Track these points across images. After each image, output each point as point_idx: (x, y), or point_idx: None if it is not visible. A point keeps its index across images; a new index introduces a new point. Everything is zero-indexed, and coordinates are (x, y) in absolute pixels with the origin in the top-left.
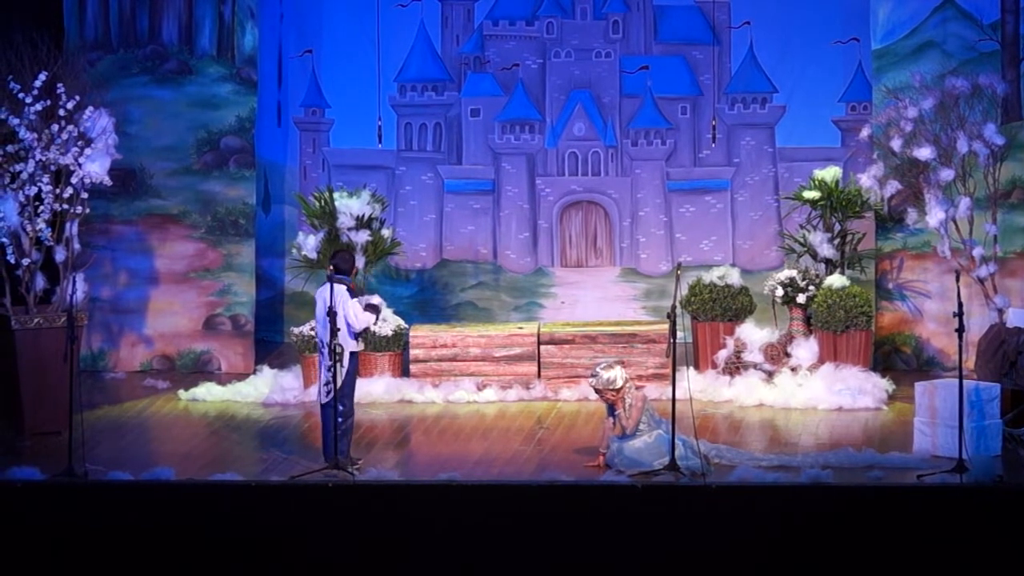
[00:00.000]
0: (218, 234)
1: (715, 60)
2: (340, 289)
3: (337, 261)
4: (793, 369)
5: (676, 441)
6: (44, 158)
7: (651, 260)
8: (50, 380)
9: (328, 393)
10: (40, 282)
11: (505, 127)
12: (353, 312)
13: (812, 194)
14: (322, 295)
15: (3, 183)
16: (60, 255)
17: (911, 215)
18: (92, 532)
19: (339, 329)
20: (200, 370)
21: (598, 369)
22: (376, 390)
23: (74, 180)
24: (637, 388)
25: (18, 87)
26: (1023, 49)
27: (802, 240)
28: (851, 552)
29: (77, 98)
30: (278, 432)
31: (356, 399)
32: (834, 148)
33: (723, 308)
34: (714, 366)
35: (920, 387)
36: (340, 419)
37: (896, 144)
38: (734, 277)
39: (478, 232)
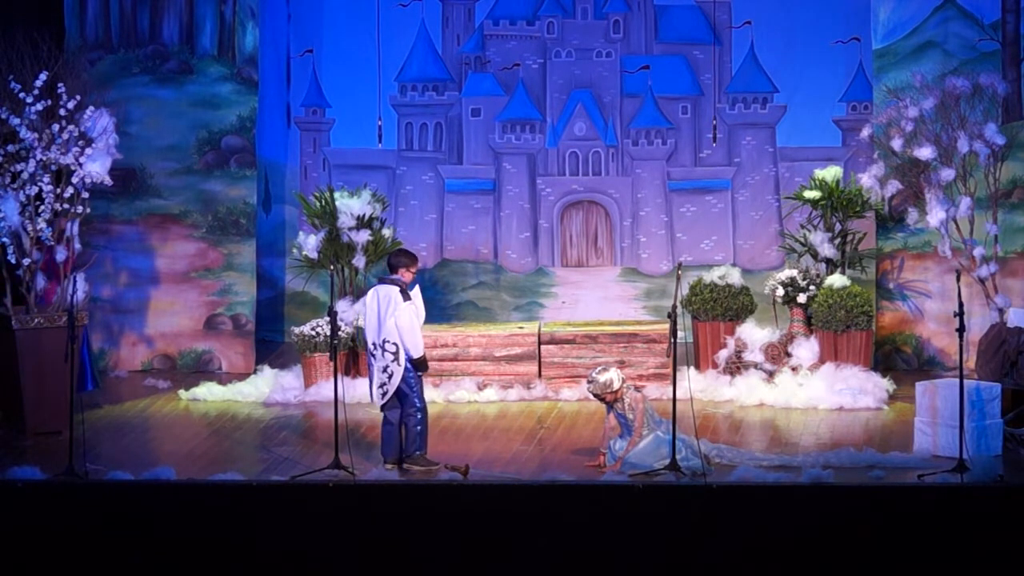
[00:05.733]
0: (219, 234)
1: (716, 60)
2: (393, 292)
3: (390, 259)
4: (794, 369)
5: (676, 441)
6: (45, 158)
7: (652, 260)
8: (50, 380)
9: (384, 395)
10: (41, 282)
11: (506, 127)
12: (407, 320)
13: (813, 194)
14: (375, 296)
15: (4, 183)
16: (61, 255)
17: (912, 215)
18: (92, 532)
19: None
20: (201, 370)
21: (593, 374)
22: None
23: (75, 180)
24: (637, 389)
25: (19, 87)
26: None
27: (803, 240)
28: (851, 552)
29: (78, 98)
30: (279, 432)
31: (357, 399)
32: (835, 148)
33: (724, 308)
34: (715, 366)
35: (921, 387)
36: (421, 416)
37: (897, 144)
38: (735, 277)
39: (479, 232)
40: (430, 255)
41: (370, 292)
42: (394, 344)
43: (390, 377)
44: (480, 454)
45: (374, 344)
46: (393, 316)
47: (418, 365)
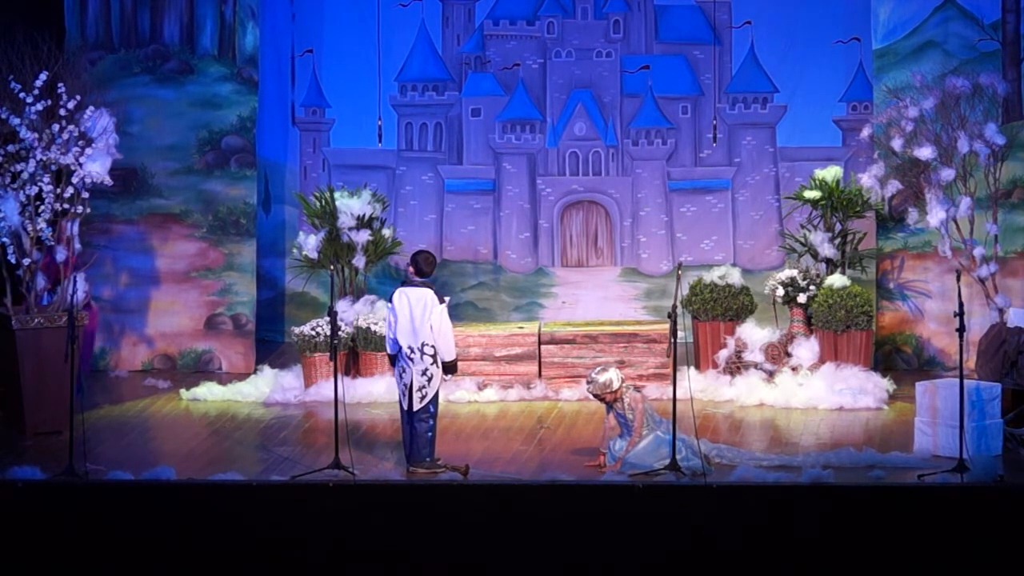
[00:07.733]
0: (219, 234)
1: (716, 60)
2: (428, 295)
3: (420, 263)
4: (794, 369)
5: (676, 441)
6: (45, 158)
7: (652, 260)
8: (51, 380)
9: (422, 399)
10: (41, 282)
11: (506, 127)
12: (446, 323)
13: (813, 194)
14: (404, 299)
15: (4, 183)
16: (61, 255)
17: (912, 215)
18: (92, 532)
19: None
20: (201, 370)
21: (592, 375)
22: (377, 390)
23: (75, 180)
24: (637, 389)
25: (19, 87)
26: None
27: (803, 240)
28: (851, 552)
29: (78, 98)
30: (279, 432)
31: (357, 399)
32: (835, 148)
33: (724, 308)
34: (715, 366)
35: (921, 387)
36: (432, 422)
37: (897, 144)
38: (735, 277)
39: (478, 232)
40: None
41: (397, 295)
42: (431, 347)
43: (429, 380)
44: (480, 454)
45: (411, 348)
46: (430, 320)
47: (449, 368)
